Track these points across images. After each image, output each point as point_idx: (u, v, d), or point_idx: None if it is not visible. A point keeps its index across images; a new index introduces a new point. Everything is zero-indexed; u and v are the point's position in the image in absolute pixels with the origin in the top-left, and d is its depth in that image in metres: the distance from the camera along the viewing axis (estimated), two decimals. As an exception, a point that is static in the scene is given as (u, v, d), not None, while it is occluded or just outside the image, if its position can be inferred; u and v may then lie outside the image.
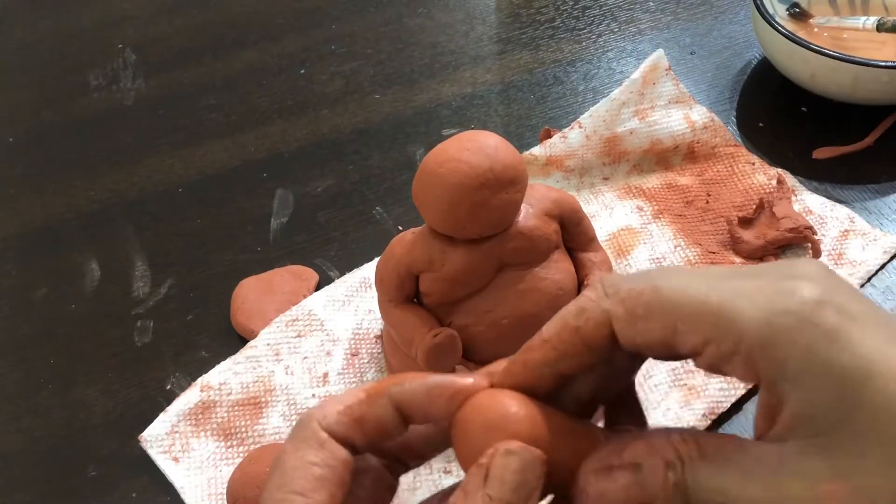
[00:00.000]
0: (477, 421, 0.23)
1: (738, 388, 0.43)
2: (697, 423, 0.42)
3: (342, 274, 0.51)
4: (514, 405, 0.23)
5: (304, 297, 0.49)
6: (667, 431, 0.23)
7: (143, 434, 0.44)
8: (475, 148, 0.36)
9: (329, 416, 0.24)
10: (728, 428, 0.43)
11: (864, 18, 0.58)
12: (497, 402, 0.23)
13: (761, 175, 0.54)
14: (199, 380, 0.46)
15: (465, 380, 0.24)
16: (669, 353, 0.23)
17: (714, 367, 0.22)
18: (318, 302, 0.49)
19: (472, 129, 0.35)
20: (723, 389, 0.44)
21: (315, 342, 0.47)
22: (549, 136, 0.55)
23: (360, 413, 0.24)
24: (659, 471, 0.22)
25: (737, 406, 0.44)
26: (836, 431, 0.21)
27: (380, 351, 0.47)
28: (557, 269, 0.40)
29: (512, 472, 0.22)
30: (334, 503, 0.23)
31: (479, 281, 0.39)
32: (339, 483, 0.24)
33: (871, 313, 0.21)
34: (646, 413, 0.26)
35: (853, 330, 0.21)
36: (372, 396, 0.24)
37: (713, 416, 0.43)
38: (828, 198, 0.52)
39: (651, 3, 0.69)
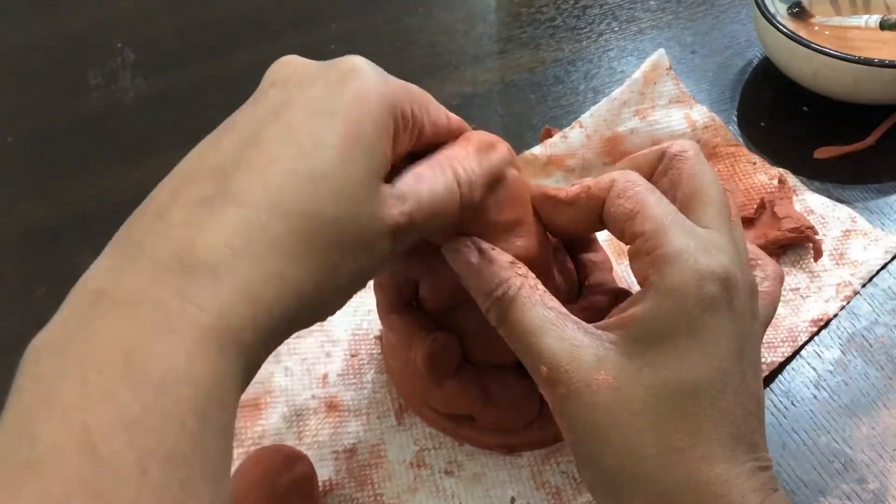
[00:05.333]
0: None
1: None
2: None
3: (342, 274, 0.51)
4: None
5: (304, 297, 0.49)
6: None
7: (142, 435, 0.44)
8: (474, 149, 0.35)
9: None
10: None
11: (866, 17, 0.57)
12: None
13: (762, 175, 0.53)
14: (199, 381, 0.45)
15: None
16: (621, 233, 0.32)
17: (631, 254, 0.31)
18: (318, 303, 0.48)
19: (473, 128, 0.35)
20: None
21: (314, 343, 0.47)
22: (550, 136, 0.55)
23: None
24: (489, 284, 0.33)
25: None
26: (651, 341, 0.29)
27: (379, 352, 0.47)
28: (557, 269, 0.40)
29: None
30: None
31: (478, 282, 0.38)
32: None
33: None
34: None
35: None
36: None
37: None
38: (829, 198, 0.52)
39: (652, 2, 0.69)
